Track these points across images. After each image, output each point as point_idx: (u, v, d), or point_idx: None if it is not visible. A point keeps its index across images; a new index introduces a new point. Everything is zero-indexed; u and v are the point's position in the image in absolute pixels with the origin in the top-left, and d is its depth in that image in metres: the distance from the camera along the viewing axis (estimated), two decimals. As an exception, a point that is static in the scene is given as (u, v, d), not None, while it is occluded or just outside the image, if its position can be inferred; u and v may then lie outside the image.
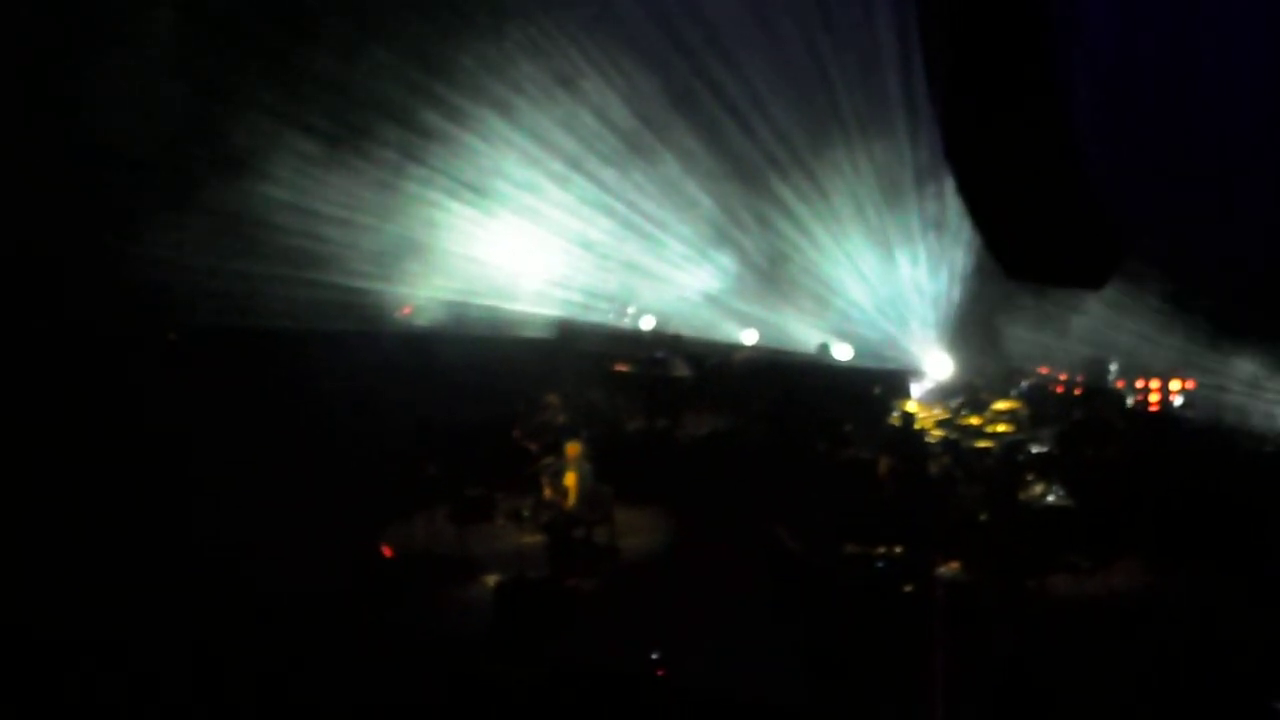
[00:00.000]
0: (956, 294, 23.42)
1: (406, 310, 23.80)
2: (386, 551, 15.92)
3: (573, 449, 16.99)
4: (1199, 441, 18.90)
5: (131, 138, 21.23)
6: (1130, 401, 21.06)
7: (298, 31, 21.81)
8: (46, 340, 19.55)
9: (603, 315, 24.51)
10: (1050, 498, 16.76)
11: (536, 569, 15.43)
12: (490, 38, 22.94)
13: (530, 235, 23.91)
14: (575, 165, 23.87)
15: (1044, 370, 21.99)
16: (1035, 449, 18.69)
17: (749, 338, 24.33)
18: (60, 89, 20.84)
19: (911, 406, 20.54)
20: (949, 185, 17.29)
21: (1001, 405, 20.18)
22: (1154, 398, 20.94)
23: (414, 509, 17.40)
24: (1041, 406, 20.51)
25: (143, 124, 21.35)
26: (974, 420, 19.97)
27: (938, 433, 19.77)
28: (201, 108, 21.91)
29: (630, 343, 23.52)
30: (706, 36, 23.21)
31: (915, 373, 22.82)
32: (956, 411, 20.70)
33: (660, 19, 23.21)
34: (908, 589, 14.16)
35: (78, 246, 20.49)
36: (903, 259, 24.01)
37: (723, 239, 24.71)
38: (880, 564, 14.67)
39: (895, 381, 22.31)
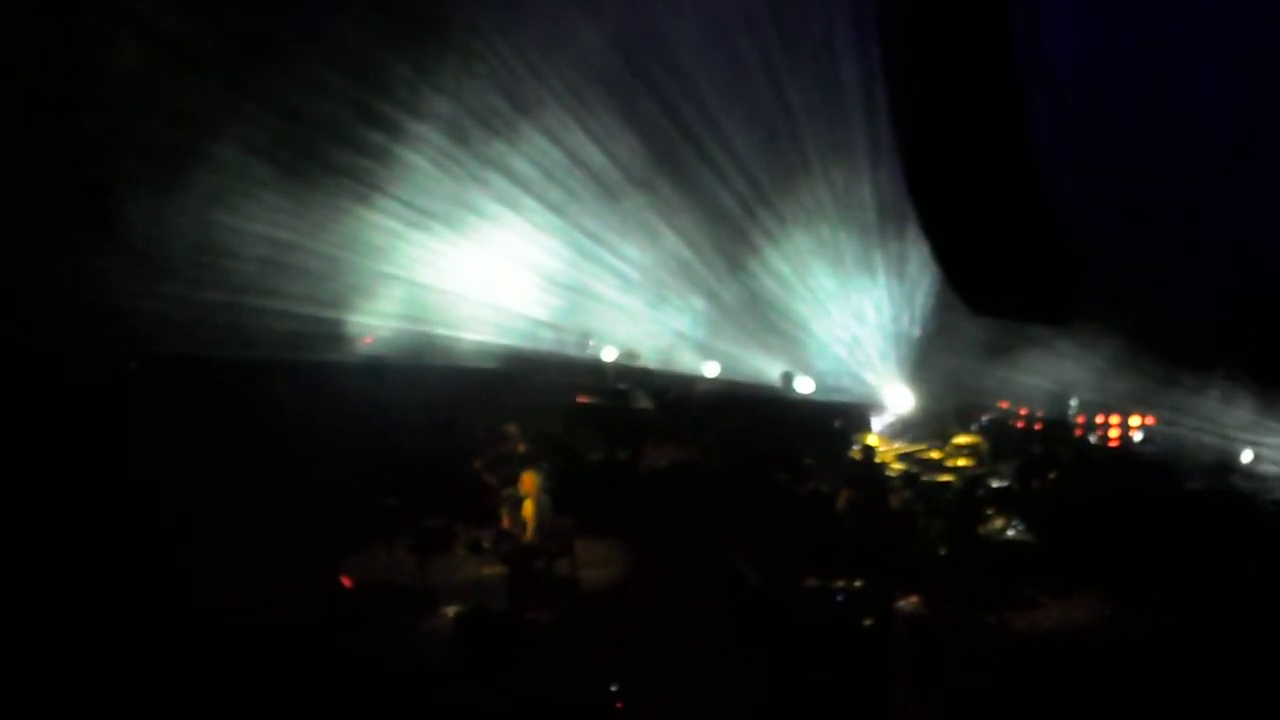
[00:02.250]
0: (918, 328, 23.51)
1: (367, 340, 23.72)
2: (346, 582, 15.85)
3: (529, 480, 16.93)
4: (1157, 476, 18.99)
5: (89, 165, 21.16)
6: (1090, 437, 21.16)
7: (259, 59, 21.74)
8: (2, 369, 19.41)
9: (564, 346, 24.48)
10: (1010, 532, 16.80)
11: (496, 600, 15.39)
12: (455, 69, 22.94)
13: (491, 266, 23.86)
14: (537, 197, 23.87)
15: (1004, 405, 22.07)
16: (995, 483, 18.75)
17: (710, 370, 24.33)
18: (17, 115, 20.70)
19: (872, 440, 20.57)
20: (912, 221, 17.38)
21: (962, 440, 20.22)
22: (1114, 433, 21.05)
23: (374, 539, 17.35)
24: (1002, 441, 20.58)
25: (101, 151, 21.28)
26: (934, 454, 20.01)
27: (898, 466, 19.79)
28: (164, 136, 21.83)
29: (591, 374, 23.50)
30: (670, 71, 23.29)
31: (876, 406, 22.87)
32: (917, 445, 20.75)
33: (629, 55, 23.30)
34: (867, 622, 14.17)
35: (34, 275, 20.34)
36: (865, 293, 24.09)
37: (685, 271, 24.72)
38: (840, 597, 14.66)
39: (856, 414, 22.36)
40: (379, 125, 22.62)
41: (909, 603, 14.80)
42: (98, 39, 21.36)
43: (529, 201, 23.84)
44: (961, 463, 19.54)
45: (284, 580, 15.40)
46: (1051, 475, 18.78)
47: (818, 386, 23.46)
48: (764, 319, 24.52)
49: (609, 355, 24.25)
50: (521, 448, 19.55)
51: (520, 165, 23.76)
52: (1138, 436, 20.99)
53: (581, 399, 22.18)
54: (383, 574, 16.55)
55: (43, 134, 20.64)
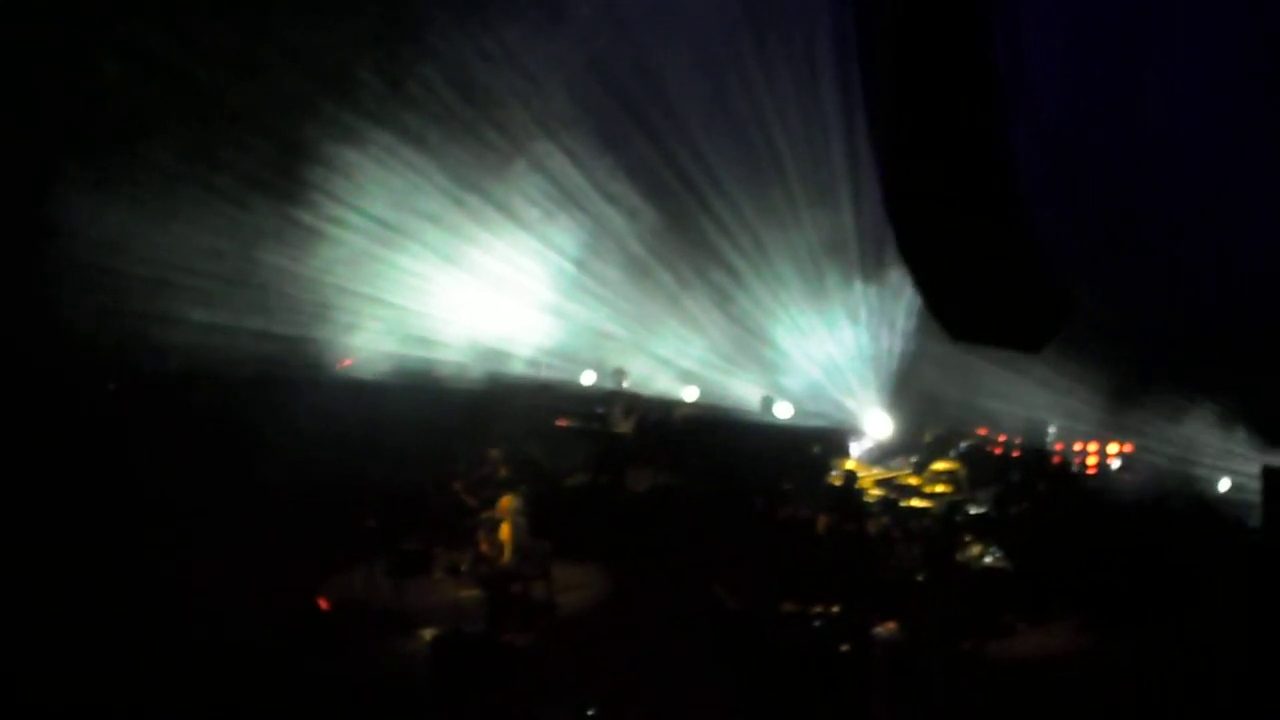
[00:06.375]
0: (897, 354, 23.52)
1: (347, 362, 23.65)
2: (323, 604, 15.80)
3: (506, 503, 16.94)
4: (1134, 504, 19.02)
5: (60, 183, 21.09)
6: (1069, 464, 21.17)
7: (236, 76, 21.67)
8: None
9: (543, 370, 24.43)
10: (988, 559, 16.81)
11: (473, 623, 15.34)
12: (439, 91, 22.91)
13: (471, 290, 23.81)
14: (516, 220, 23.84)
15: (983, 431, 22.09)
16: (973, 510, 18.75)
17: (690, 394, 24.30)
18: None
19: (851, 465, 20.59)
20: (891, 246, 17.42)
21: (940, 466, 20.23)
22: (1092, 461, 21.08)
23: (351, 561, 17.31)
24: (980, 468, 20.58)
25: (72, 169, 21.21)
26: (913, 480, 20.02)
27: (876, 492, 19.80)
28: (138, 153, 21.74)
29: (571, 398, 23.46)
30: (651, 94, 23.32)
31: (855, 432, 22.86)
32: (895, 471, 20.76)
33: (610, 82, 23.34)
34: (844, 648, 14.14)
35: (11, 297, 20.25)
36: (844, 318, 24.09)
37: (664, 295, 24.68)
38: (817, 623, 14.64)
39: (835, 440, 22.34)
40: (358, 145, 22.58)
41: (886, 629, 14.77)
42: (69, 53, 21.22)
43: (507, 225, 23.80)
44: (940, 489, 19.56)
45: (260, 601, 15.35)
46: (1029, 502, 18.79)
47: (797, 411, 23.45)
48: (743, 344, 24.50)
49: (588, 379, 24.23)
50: (504, 471, 19.55)
51: (500, 188, 23.71)
52: (1116, 464, 21.03)
53: (561, 422, 22.15)
54: (360, 596, 16.52)
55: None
